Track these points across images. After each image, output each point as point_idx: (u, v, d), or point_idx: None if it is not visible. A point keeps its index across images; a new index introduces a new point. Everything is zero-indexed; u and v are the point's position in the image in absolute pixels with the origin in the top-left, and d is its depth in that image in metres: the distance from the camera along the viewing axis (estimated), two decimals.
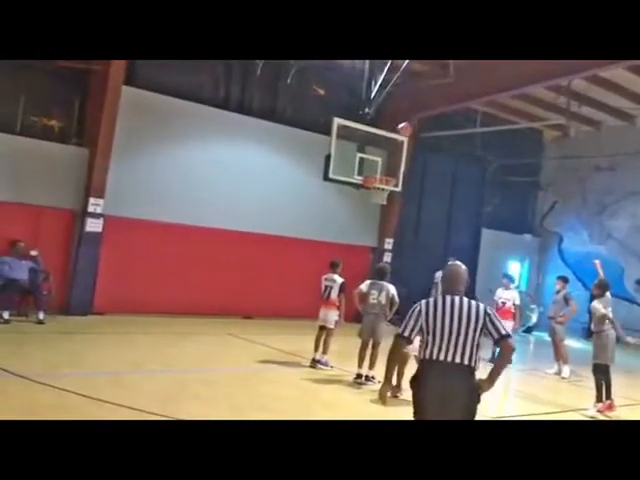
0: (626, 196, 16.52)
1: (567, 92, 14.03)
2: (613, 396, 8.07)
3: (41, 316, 10.18)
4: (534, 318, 16.71)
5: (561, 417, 8.07)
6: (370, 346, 8.55)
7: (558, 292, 11.33)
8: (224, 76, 13.20)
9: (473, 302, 4.33)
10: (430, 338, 4.22)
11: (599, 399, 8.13)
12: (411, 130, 11.36)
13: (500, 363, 4.36)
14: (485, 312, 4.23)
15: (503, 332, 4.22)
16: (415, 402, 4.24)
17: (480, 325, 4.20)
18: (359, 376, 8.44)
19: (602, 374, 8.15)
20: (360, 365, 8.49)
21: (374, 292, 8.61)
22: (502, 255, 16.99)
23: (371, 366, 8.46)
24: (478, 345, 4.21)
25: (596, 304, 8.33)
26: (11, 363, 7.29)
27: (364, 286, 8.77)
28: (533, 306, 16.78)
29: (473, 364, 4.19)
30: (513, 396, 9.85)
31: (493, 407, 8.62)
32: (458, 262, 4.64)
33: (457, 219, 16.75)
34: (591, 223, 17.36)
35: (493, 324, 4.21)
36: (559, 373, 10.72)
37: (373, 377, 8.42)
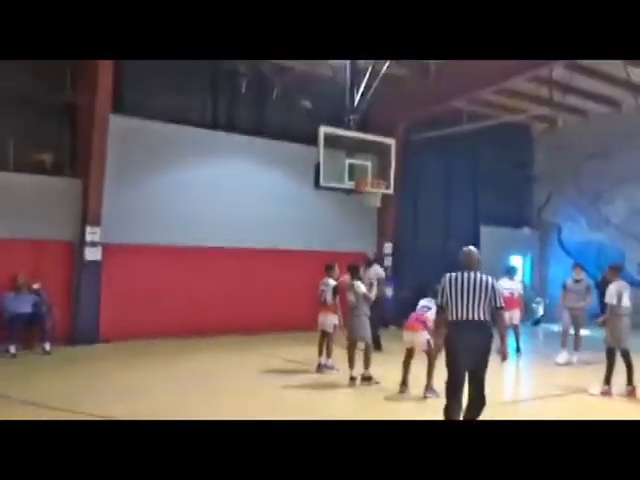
0: (620, 181, 16.53)
1: (549, 82, 14.17)
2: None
3: (47, 347, 10.27)
4: (541, 310, 16.69)
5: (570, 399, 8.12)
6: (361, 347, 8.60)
7: (577, 281, 11.08)
8: (211, 96, 13.42)
9: (484, 276, 5.78)
10: (453, 304, 5.68)
11: (606, 381, 8.16)
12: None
13: (499, 327, 6.03)
14: (492, 284, 5.73)
15: (499, 305, 5.70)
16: (448, 352, 5.71)
17: (489, 293, 5.65)
18: (352, 378, 8.43)
19: (609, 356, 8.20)
20: (350, 366, 8.49)
21: (348, 294, 8.70)
22: (503, 251, 16.97)
23: (365, 366, 8.47)
24: (489, 307, 5.63)
25: (610, 288, 8.37)
26: (24, 392, 7.46)
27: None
28: (539, 299, 16.76)
29: (486, 320, 5.63)
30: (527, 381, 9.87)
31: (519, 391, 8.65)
32: (471, 247, 6.04)
33: (454, 219, 16.81)
34: (588, 211, 17.38)
35: (494, 295, 5.68)
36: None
37: (370, 377, 8.44)
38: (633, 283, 15.50)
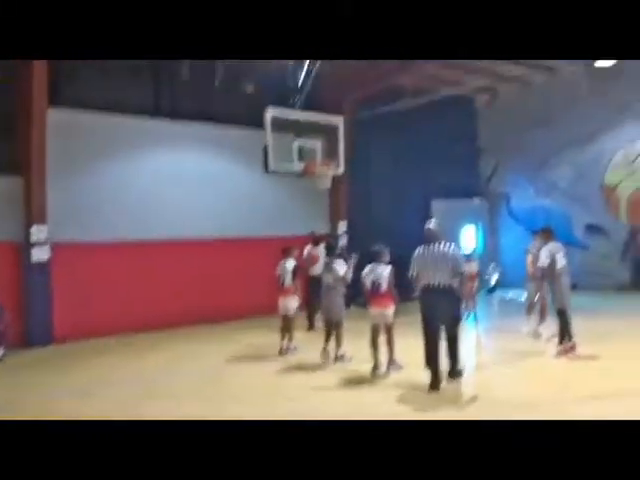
0: (565, 146, 16.90)
1: None
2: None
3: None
4: (495, 279, 16.99)
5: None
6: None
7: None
8: (152, 84, 13.06)
9: (446, 246, 6.79)
10: (422, 272, 6.80)
11: (560, 340, 8.39)
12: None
13: (461, 289, 6.97)
14: (452, 253, 6.81)
15: (460, 270, 6.82)
16: (422, 314, 6.78)
17: (450, 261, 6.70)
18: (327, 354, 8.43)
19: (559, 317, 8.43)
20: (326, 344, 8.49)
21: (326, 275, 8.61)
22: (455, 222, 17.17)
23: (339, 344, 8.47)
24: (453, 273, 6.68)
25: (542, 251, 8.57)
26: None
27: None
28: (492, 267, 17.05)
29: (450, 284, 6.67)
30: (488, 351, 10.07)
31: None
32: (433, 221, 7.08)
33: (406, 194, 16.89)
34: (535, 178, 17.72)
35: (455, 262, 6.78)
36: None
37: (342, 355, 8.45)
38: (581, 245, 16.13)
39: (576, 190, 16.89)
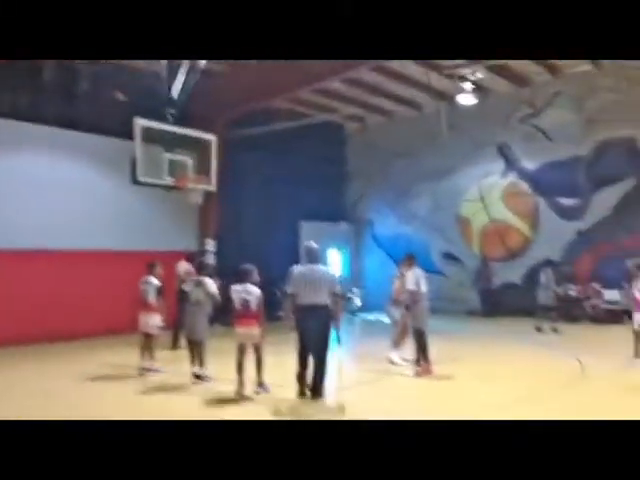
0: (424, 178, 17.90)
1: (359, 84, 14.97)
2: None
3: None
4: (358, 302, 17.52)
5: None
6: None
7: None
8: (10, 83, 12.19)
9: (323, 267, 7.01)
10: (299, 291, 6.83)
11: (418, 362, 8.78)
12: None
13: (335, 309, 7.02)
14: (329, 274, 7.04)
15: (335, 291, 6.95)
16: (298, 331, 6.92)
17: (327, 282, 6.86)
18: (195, 376, 8.23)
19: (416, 338, 8.85)
20: (199, 364, 8.30)
21: (195, 290, 8.42)
22: (322, 245, 17.47)
23: (201, 364, 8.29)
24: (329, 293, 6.84)
25: (409, 276, 8.97)
26: None
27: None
28: (355, 290, 17.57)
29: (326, 304, 6.80)
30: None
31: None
32: (312, 243, 7.19)
33: (276, 215, 17.03)
34: (397, 206, 18.58)
35: (331, 283, 6.93)
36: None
37: (205, 376, 8.26)
38: (437, 272, 17.05)
39: (434, 220, 17.90)
